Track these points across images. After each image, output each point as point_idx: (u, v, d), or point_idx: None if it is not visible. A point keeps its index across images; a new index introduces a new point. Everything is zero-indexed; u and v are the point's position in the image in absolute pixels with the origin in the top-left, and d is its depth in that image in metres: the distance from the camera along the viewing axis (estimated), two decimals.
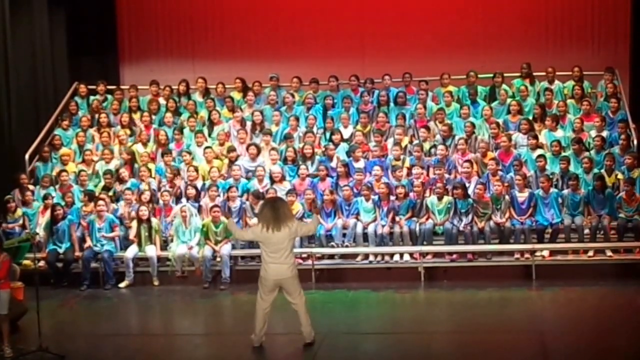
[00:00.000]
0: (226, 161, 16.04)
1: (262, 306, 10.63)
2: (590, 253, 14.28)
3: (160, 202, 15.31)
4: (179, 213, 14.78)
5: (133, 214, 15.04)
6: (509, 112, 16.46)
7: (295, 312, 10.71)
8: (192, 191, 15.17)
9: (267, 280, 10.55)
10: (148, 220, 14.79)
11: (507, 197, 14.60)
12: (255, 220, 14.68)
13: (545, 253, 14.34)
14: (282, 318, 11.17)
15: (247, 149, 16.05)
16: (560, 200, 14.56)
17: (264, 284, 10.60)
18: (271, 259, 10.47)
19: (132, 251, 14.67)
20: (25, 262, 13.22)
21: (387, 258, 14.66)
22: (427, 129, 16.20)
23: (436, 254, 14.61)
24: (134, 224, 14.88)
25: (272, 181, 15.36)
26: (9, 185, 15.95)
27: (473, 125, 16.03)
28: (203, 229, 14.62)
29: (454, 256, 14.50)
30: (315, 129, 16.56)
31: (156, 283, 14.60)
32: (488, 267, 14.40)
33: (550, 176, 14.84)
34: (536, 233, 14.47)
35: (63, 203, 15.23)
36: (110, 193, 15.57)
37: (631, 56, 17.69)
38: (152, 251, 14.65)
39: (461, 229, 14.50)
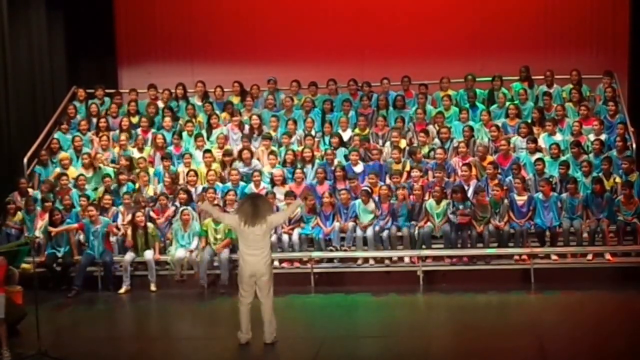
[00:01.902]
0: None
1: (244, 302, 10.75)
2: (589, 256, 14.29)
3: (158, 205, 15.30)
4: (180, 216, 14.77)
5: (128, 219, 15.02)
6: (507, 115, 16.47)
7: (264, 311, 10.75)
8: (183, 195, 15.13)
9: (244, 274, 10.66)
10: (144, 226, 14.77)
11: (505, 200, 14.60)
12: None
13: (554, 257, 14.37)
14: (281, 322, 11.14)
15: (241, 152, 16.02)
16: (559, 204, 14.57)
17: (242, 279, 10.72)
18: (247, 252, 10.61)
19: (130, 255, 14.65)
20: (25, 265, 13.19)
21: (386, 262, 14.66)
22: (426, 132, 16.21)
23: (435, 258, 14.61)
24: (129, 230, 14.85)
25: (273, 184, 15.36)
26: (9, 188, 15.98)
27: (472, 128, 16.04)
28: (203, 228, 14.61)
29: (454, 260, 14.49)
30: (313, 132, 16.57)
31: (153, 288, 14.54)
32: (487, 270, 14.38)
33: (550, 179, 14.84)
34: (536, 236, 14.48)
35: (62, 207, 15.23)
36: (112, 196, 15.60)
37: (630, 60, 17.68)
38: (149, 255, 14.63)
39: (459, 215, 14.43)
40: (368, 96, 17.22)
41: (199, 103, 17.64)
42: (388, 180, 15.40)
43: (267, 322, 10.75)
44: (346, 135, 16.49)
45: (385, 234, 14.67)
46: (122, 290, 14.44)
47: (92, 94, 18.16)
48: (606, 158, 15.05)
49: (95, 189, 15.99)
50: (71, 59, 19.15)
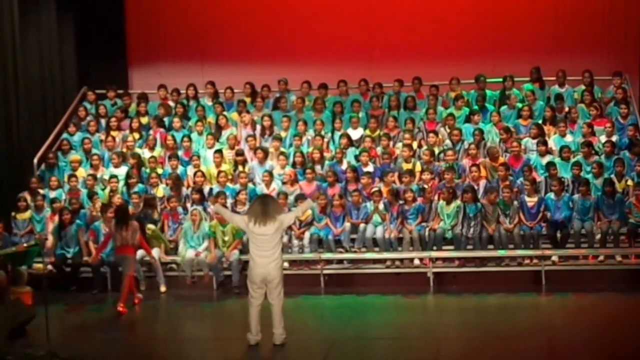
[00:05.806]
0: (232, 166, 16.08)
1: (254, 303, 10.73)
2: (601, 258, 14.24)
3: (168, 208, 15.29)
4: (190, 217, 14.75)
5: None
6: (519, 116, 16.40)
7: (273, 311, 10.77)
8: (196, 195, 15.12)
9: (254, 275, 10.65)
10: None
11: (515, 202, 14.54)
12: None
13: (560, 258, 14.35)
14: (290, 324, 11.12)
15: (255, 152, 16.04)
16: (570, 204, 14.51)
17: (252, 280, 10.70)
18: (258, 254, 10.60)
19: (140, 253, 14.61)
20: (38, 265, 13.21)
21: (396, 263, 14.62)
22: (436, 133, 16.16)
23: (445, 259, 14.56)
24: None
25: (284, 182, 15.33)
26: (19, 188, 16.01)
27: (481, 130, 15.97)
28: (210, 229, 14.59)
29: (458, 262, 14.45)
30: (323, 133, 16.54)
31: (163, 289, 14.46)
32: (497, 272, 14.34)
33: (562, 179, 14.77)
34: (547, 238, 14.42)
35: (71, 208, 15.23)
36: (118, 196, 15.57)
37: None
38: (156, 254, 14.57)
39: (469, 236, 14.45)
40: (378, 97, 17.18)
41: (209, 103, 17.64)
42: (397, 182, 15.34)
43: (277, 324, 10.73)
44: (356, 133, 16.45)
45: (394, 234, 14.62)
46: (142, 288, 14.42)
47: (102, 95, 18.17)
48: (619, 159, 14.98)
49: (103, 189, 15.97)
50: (82, 60, 19.19)
